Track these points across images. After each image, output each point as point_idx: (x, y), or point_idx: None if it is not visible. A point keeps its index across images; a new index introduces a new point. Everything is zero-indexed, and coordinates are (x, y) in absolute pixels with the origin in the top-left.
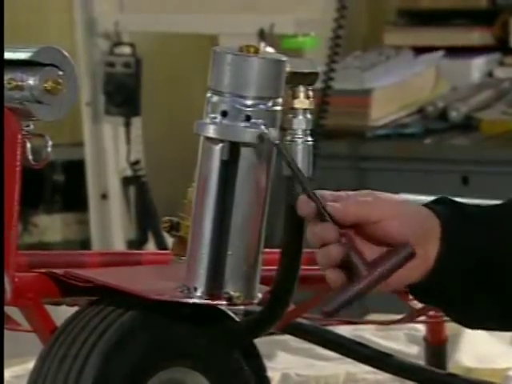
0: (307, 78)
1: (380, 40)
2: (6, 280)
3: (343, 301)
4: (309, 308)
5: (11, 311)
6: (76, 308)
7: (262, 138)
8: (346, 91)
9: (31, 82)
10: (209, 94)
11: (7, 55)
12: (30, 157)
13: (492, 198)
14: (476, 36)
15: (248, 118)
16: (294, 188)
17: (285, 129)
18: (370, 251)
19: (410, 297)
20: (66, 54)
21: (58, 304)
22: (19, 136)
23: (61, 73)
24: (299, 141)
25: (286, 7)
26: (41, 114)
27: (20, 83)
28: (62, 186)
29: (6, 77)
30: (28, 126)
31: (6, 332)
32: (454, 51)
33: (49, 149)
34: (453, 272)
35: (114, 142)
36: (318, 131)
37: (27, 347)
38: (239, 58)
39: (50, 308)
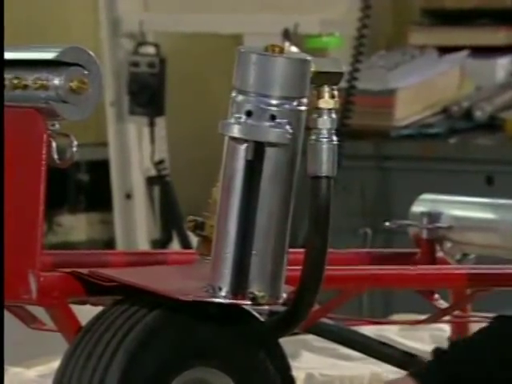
0: (332, 78)
1: (404, 39)
2: (32, 279)
3: None
4: (333, 308)
5: (36, 310)
6: (101, 307)
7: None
8: (370, 91)
9: (57, 81)
10: (233, 94)
11: (33, 55)
12: (56, 156)
13: None
14: (501, 36)
15: (273, 118)
16: (320, 187)
17: (310, 128)
18: None
19: (435, 296)
20: (91, 53)
21: (82, 303)
22: (45, 135)
23: (86, 72)
24: (324, 140)
25: (310, 7)
26: (66, 114)
27: (45, 83)
28: (87, 186)
29: (32, 76)
30: (53, 125)
31: (31, 331)
32: (478, 51)
33: (74, 148)
34: None
35: (138, 141)
36: (342, 131)
37: (52, 347)
38: (264, 57)
39: (74, 307)
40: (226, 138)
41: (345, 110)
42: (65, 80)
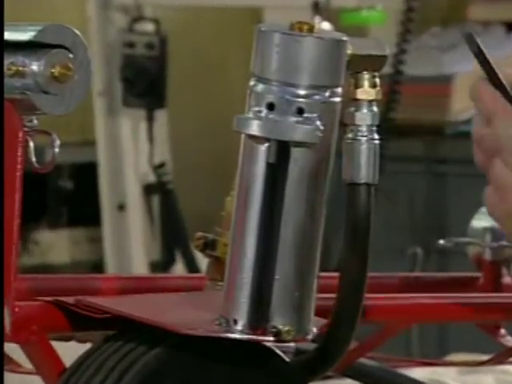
0: (373, 62)
1: (463, 14)
2: (5, 310)
3: None
4: (375, 346)
5: (11, 349)
6: (89, 345)
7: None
8: (420, 78)
9: (35, 67)
10: (252, 83)
11: (7, 35)
12: (33, 159)
13: None
14: None
15: (300, 112)
16: (358, 196)
17: (346, 124)
18: None
19: (501, 331)
20: (77, 32)
21: (67, 339)
22: (20, 134)
23: (71, 56)
24: (363, 139)
25: None
26: (47, 107)
27: (22, 69)
28: (70, 195)
29: (6, 61)
30: (31, 121)
31: (5, 374)
32: None
33: (56, 149)
34: None
35: (133, 140)
36: (386, 127)
37: None
38: (289, 37)
39: (57, 344)
40: (243, 137)
41: (389, 101)
42: (45, 65)
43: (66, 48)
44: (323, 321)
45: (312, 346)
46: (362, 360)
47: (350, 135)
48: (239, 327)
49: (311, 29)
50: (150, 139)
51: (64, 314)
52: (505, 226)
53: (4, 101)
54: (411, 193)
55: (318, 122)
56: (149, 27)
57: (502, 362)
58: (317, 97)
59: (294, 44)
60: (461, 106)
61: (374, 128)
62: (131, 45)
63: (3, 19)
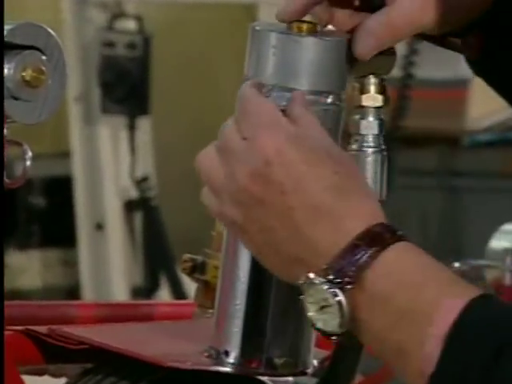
0: (380, 65)
1: None
2: None
3: None
4: (382, 380)
5: None
6: (64, 379)
7: None
8: (433, 81)
9: (5, 70)
10: None
11: None
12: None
13: None
14: None
15: None
16: None
17: (350, 134)
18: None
19: None
20: (51, 31)
21: (40, 373)
22: None
23: (44, 58)
24: (369, 150)
25: None
26: (17, 115)
27: None
28: (42, 213)
29: None
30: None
31: None
32: None
33: (27, 162)
34: None
35: (113, 151)
36: (395, 137)
37: None
38: (287, 37)
39: (29, 379)
40: None
41: (399, 108)
42: (15, 68)
43: (38, 49)
44: (325, 352)
45: (312, 381)
46: None
47: (354, 146)
48: (231, 359)
49: (311, 28)
50: (132, 150)
51: (36, 344)
52: None
53: None
54: (423, 210)
55: None
56: (130, 25)
57: None
58: (317, 103)
59: (293, 45)
60: (479, 113)
61: (382, 138)
62: (111, 45)
63: (3, 19)
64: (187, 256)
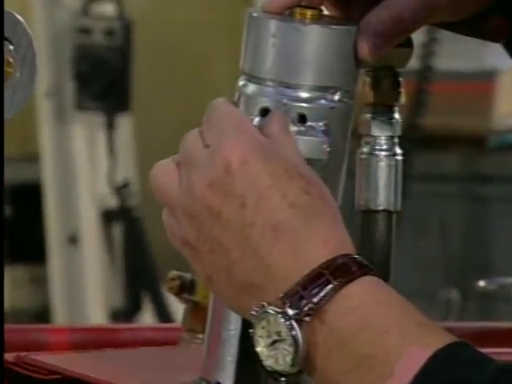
0: (395, 56)
1: None
2: None
3: None
4: None
5: None
6: None
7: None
8: (455, 74)
9: None
10: (241, 83)
11: None
12: None
13: None
14: None
15: (302, 120)
16: (376, 227)
17: (360, 136)
18: None
19: None
20: (18, 18)
21: None
22: None
23: (11, 48)
24: (382, 154)
25: None
26: None
27: None
28: (8, 224)
29: None
30: None
31: None
32: None
33: None
34: None
35: (89, 153)
36: (411, 138)
37: None
38: (289, 26)
39: None
40: None
41: (416, 105)
42: None
43: (5, 38)
44: None
45: None
46: None
47: (365, 149)
48: None
49: (316, 15)
50: (111, 152)
51: (3, 374)
52: None
53: None
54: (444, 221)
55: (325, 133)
56: (108, 9)
57: None
58: (323, 101)
59: (295, 34)
60: (508, 109)
61: (396, 140)
62: (86, 31)
63: (3, 19)
64: (174, 273)
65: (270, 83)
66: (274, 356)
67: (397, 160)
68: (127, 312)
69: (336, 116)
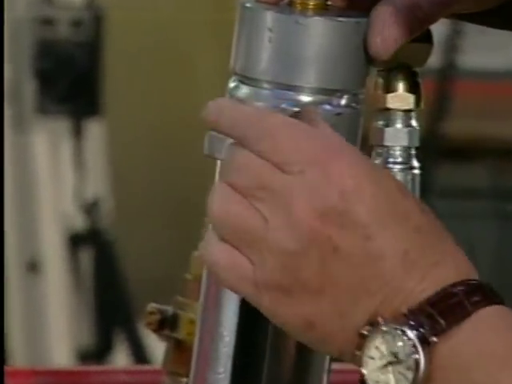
0: (412, 54)
1: None
2: None
3: None
4: None
5: None
6: None
7: None
8: (482, 73)
9: None
10: (232, 84)
11: None
12: None
13: None
14: None
15: None
16: None
17: (371, 146)
18: None
19: None
20: None
21: None
22: None
23: None
24: (397, 167)
25: None
26: None
27: None
28: None
29: None
30: None
31: None
32: None
33: None
34: None
35: (52, 164)
36: (432, 148)
37: None
38: (288, 18)
39: None
40: (218, 163)
41: (437, 109)
42: None
43: None
44: None
45: None
46: None
47: (377, 161)
48: None
49: (320, 5)
50: (78, 163)
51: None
52: None
53: None
54: (470, 242)
55: None
56: None
57: None
58: (328, 106)
59: (295, 28)
60: None
61: (413, 151)
62: (50, 23)
63: (3, 19)
64: (153, 306)
65: (265, 85)
66: (384, 380)
67: (414, 174)
68: (97, 352)
69: (343, 123)
